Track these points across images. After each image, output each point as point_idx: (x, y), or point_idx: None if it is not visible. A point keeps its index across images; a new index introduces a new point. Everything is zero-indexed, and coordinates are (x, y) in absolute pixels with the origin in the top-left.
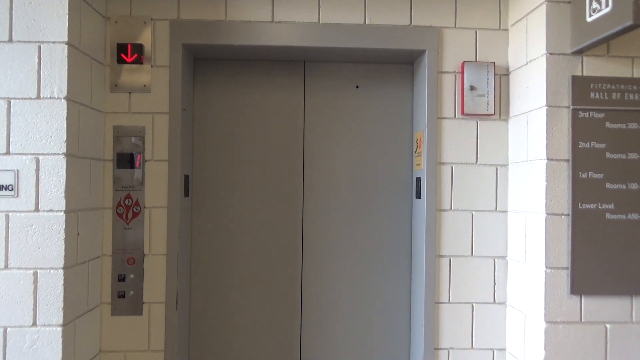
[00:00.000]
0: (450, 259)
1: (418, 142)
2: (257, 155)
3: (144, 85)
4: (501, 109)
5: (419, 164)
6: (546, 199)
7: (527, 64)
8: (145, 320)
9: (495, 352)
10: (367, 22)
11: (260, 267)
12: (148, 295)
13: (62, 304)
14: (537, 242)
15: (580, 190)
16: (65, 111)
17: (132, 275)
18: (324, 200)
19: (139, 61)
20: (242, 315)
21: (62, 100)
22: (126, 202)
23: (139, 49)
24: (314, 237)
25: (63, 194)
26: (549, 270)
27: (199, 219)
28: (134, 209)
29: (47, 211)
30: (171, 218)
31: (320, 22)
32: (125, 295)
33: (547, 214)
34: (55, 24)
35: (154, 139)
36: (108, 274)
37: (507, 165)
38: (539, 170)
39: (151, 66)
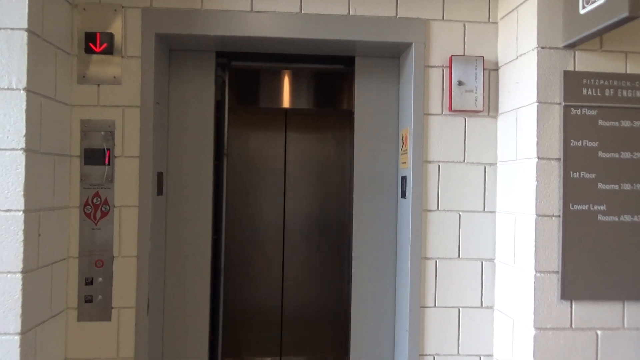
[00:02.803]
0: (436, 261)
1: (404, 139)
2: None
3: (114, 77)
4: (490, 106)
5: (405, 162)
6: (536, 200)
7: (517, 58)
8: (114, 326)
9: (482, 358)
10: (351, 13)
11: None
12: (117, 299)
13: (20, 311)
14: (526, 245)
15: (571, 190)
16: (25, 103)
17: (100, 279)
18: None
19: (108, 51)
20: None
21: (21, 91)
22: (94, 200)
23: (108, 38)
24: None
25: (22, 192)
26: (538, 274)
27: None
28: (103, 208)
29: (3, 211)
30: (142, 218)
31: (302, 12)
32: (93, 299)
33: (537, 215)
34: (14, 8)
35: (124, 134)
36: (74, 277)
37: (496, 164)
38: (529, 169)
39: (122, 57)
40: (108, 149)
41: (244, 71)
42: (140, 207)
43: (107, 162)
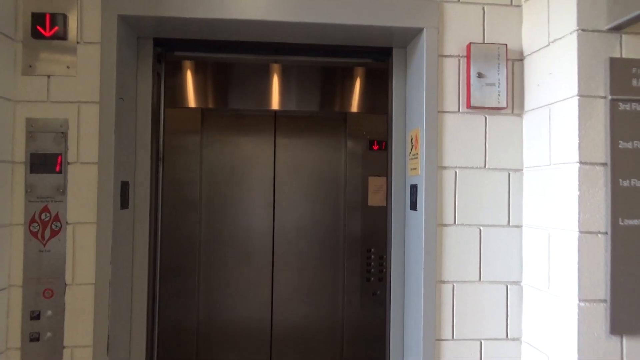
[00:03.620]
0: (453, 285)
1: (413, 141)
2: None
3: (68, 67)
4: (514, 102)
5: (415, 168)
6: (579, 214)
7: (549, 45)
8: None
9: None
10: None
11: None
12: (71, 337)
13: None
14: (565, 267)
15: (621, 202)
16: None
17: (49, 312)
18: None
19: (61, 36)
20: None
21: None
22: (42, 216)
23: (61, 20)
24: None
25: None
26: (582, 304)
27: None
28: (53, 226)
29: None
30: (102, 237)
31: None
32: (40, 337)
33: (580, 232)
34: None
35: (80, 136)
36: (17, 311)
37: (522, 170)
38: (568, 176)
39: (77, 42)
40: (60, 154)
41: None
42: (99, 223)
43: (58, 169)
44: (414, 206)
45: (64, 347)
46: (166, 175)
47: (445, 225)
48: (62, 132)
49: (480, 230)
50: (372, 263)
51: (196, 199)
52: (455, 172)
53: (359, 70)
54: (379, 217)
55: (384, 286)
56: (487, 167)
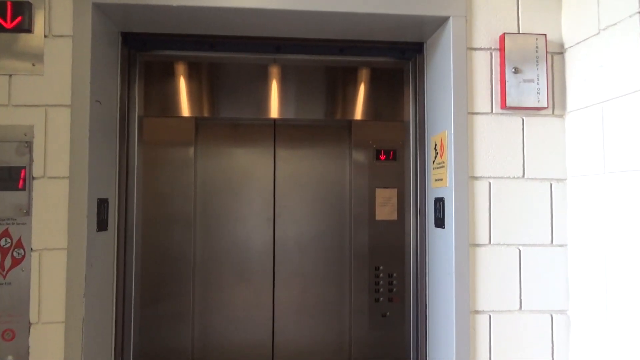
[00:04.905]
0: (490, 316)
1: (438, 148)
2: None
3: (34, 65)
4: (555, 101)
5: (441, 179)
6: None
7: (599, 33)
8: None
9: None
10: None
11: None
12: None
13: None
14: (631, 295)
15: None
16: None
17: (9, 358)
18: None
19: (25, 28)
20: None
21: None
22: (2, 242)
23: (25, 9)
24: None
25: None
26: None
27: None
28: (15, 254)
29: None
30: (74, 266)
31: None
32: None
33: None
34: None
35: (47, 146)
36: None
37: (566, 179)
38: (631, 185)
39: (45, 36)
40: (23, 168)
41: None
42: (70, 249)
43: (21, 186)
44: (440, 223)
45: None
46: (157, 187)
47: (479, 245)
48: (27, 142)
49: (519, 250)
50: (381, 282)
51: (190, 214)
52: (489, 183)
53: (364, 73)
54: (388, 232)
55: (395, 307)
56: (525, 176)
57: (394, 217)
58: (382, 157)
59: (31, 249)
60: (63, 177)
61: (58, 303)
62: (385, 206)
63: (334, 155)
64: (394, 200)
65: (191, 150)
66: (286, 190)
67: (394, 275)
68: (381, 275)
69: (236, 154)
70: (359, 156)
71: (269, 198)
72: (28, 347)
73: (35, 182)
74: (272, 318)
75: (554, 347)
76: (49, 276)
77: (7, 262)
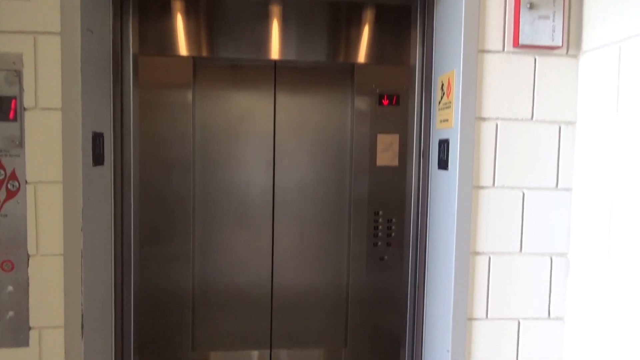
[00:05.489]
0: (489, 258)
1: (445, 87)
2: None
3: None
4: (570, 40)
5: (446, 120)
6: None
7: None
8: (35, 353)
9: None
10: None
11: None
12: (37, 317)
13: None
14: (637, 238)
15: None
16: None
17: (10, 288)
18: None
19: None
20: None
21: None
22: None
23: None
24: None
25: None
26: None
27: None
28: (9, 185)
29: None
30: (70, 199)
31: None
32: (1, 317)
33: None
34: None
35: (38, 75)
36: None
37: (575, 122)
38: None
39: None
40: (14, 98)
41: None
42: (65, 183)
43: (12, 116)
44: (443, 165)
45: (30, 329)
46: (156, 131)
47: (482, 187)
48: (16, 71)
49: (523, 193)
50: (380, 227)
51: (189, 157)
52: (497, 125)
53: (369, 13)
54: (388, 178)
55: (392, 251)
56: (534, 118)
57: (395, 163)
58: (385, 102)
59: (26, 181)
60: (55, 109)
61: (56, 236)
62: (386, 152)
63: (335, 99)
64: (396, 146)
65: (189, 93)
66: (286, 134)
67: (393, 220)
68: (380, 220)
69: (236, 97)
70: (362, 101)
71: (268, 142)
72: (27, 278)
73: (27, 113)
74: (271, 261)
75: (552, 289)
76: (46, 209)
77: (2, 194)
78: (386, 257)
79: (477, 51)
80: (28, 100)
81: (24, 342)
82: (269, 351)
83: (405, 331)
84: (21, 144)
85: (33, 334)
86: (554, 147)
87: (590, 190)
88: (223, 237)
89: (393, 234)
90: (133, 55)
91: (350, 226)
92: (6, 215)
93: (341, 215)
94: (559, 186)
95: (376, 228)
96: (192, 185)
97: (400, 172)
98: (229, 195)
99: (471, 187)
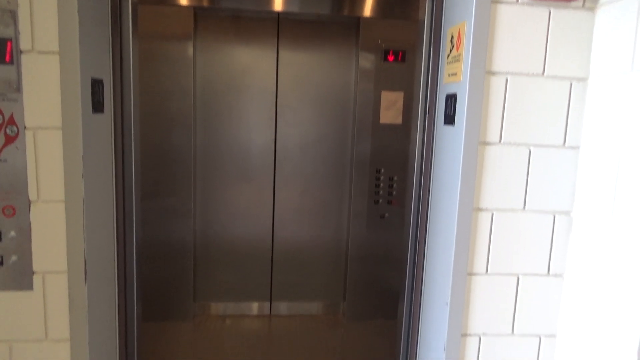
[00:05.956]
0: (492, 214)
1: (455, 40)
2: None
3: None
4: None
5: (455, 74)
6: None
7: None
8: (39, 297)
9: (543, 338)
10: None
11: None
12: (40, 261)
13: None
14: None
15: None
16: None
17: (12, 233)
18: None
19: None
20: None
21: None
22: None
23: None
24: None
25: None
26: None
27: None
28: (8, 130)
29: None
30: (70, 145)
31: None
32: (4, 261)
33: None
34: None
35: (34, 16)
36: None
37: (587, 79)
38: None
39: None
40: (9, 40)
41: None
42: (65, 129)
43: (8, 59)
44: (449, 120)
45: (33, 273)
46: (156, 84)
47: (489, 143)
48: (10, 11)
49: (529, 151)
50: (381, 184)
51: (190, 111)
52: (506, 79)
53: None
54: (391, 136)
55: (393, 209)
56: (545, 74)
57: (399, 121)
58: (391, 58)
59: (24, 126)
60: (53, 53)
61: (57, 183)
62: (390, 110)
63: (339, 55)
64: (400, 104)
65: (190, 45)
66: (289, 90)
67: (395, 178)
68: (382, 178)
69: (238, 51)
70: (366, 57)
71: (271, 98)
72: (29, 224)
73: (23, 57)
74: (272, 216)
75: (553, 246)
76: (46, 155)
77: (1, 138)
78: (387, 215)
79: (490, 1)
80: (24, 43)
81: (28, 286)
82: (269, 303)
83: (404, 286)
84: (19, 88)
85: (37, 279)
86: (564, 104)
87: (598, 148)
88: (224, 192)
89: (394, 192)
90: (132, 2)
91: (351, 183)
92: (6, 161)
93: (343, 172)
94: (567, 144)
95: (377, 186)
96: (194, 139)
97: (403, 130)
98: (231, 149)
99: (477, 143)
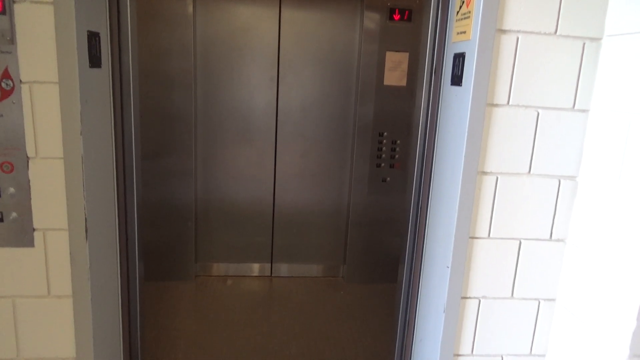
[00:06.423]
0: (497, 178)
1: None
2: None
3: None
4: None
5: (464, 32)
6: None
7: None
8: (40, 253)
9: (542, 302)
10: None
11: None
12: (41, 218)
13: None
14: None
15: None
16: None
17: (11, 189)
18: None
19: None
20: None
21: None
22: None
23: None
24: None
25: None
26: None
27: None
28: (3, 84)
29: None
30: (67, 101)
31: None
32: (4, 217)
33: None
34: None
35: None
36: None
37: (601, 39)
38: None
39: None
40: None
41: None
42: (61, 84)
43: (1, 8)
44: (457, 80)
45: (34, 230)
46: (154, 42)
47: (496, 105)
48: None
49: (538, 113)
50: (384, 148)
51: (190, 70)
52: (517, 38)
53: None
54: (395, 98)
55: (395, 173)
56: (558, 33)
57: (403, 83)
58: (396, 17)
59: (20, 80)
60: (47, 2)
61: (55, 139)
62: (394, 71)
63: (344, 13)
64: (405, 65)
65: (190, 2)
66: (291, 50)
67: (398, 142)
68: (384, 141)
69: (239, 8)
70: (371, 15)
71: (273, 58)
72: (29, 181)
73: (16, 6)
74: (273, 178)
75: (557, 211)
76: (43, 111)
77: None
78: (389, 179)
79: None
80: None
81: (29, 243)
82: (269, 264)
83: (405, 249)
84: (12, 40)
85: (37, 235)
86: (575, 66)
87: (608, 112)
88: (226, 153)
89: (397, 156)
90: None
91: (353, 146)
92: (2, 115)
93: (345, 135)
94: (576, 107)
95: (380, 149)
96: (194, 99)
97: (407, 92)
98: (232, 110)
99: (484, 105)
